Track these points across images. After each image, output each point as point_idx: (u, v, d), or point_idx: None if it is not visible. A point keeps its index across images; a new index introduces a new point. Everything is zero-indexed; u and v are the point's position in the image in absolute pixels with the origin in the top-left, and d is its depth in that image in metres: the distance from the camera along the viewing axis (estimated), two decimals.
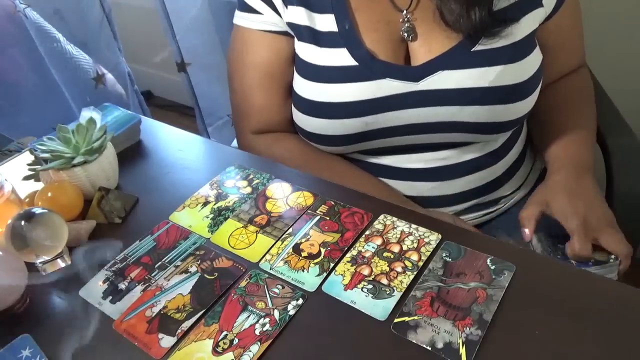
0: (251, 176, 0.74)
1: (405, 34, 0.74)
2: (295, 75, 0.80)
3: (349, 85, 0.73)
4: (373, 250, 0.61)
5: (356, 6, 0.75)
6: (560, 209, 0.70)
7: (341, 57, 0.74)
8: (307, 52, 0.77)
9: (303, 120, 0.79)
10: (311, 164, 0.80)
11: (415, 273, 0.57)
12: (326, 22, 0.75)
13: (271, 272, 0.60)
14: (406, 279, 0.57)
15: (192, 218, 0.69)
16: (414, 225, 0.63)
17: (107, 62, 1.29)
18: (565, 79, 0.86)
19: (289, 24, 0.78)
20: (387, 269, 0.58)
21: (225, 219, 0.68)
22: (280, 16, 0.78)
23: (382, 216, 0.65)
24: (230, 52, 0.85)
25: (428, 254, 0.59)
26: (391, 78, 0.72)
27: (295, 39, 0.79)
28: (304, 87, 0.78)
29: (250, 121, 0.84)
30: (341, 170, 0.81)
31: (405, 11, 0.74)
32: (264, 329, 0.53)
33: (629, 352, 0.47)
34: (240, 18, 0.81)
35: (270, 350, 0.52)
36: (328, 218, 0.66)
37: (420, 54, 0.74)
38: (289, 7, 0.76)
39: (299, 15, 0.76)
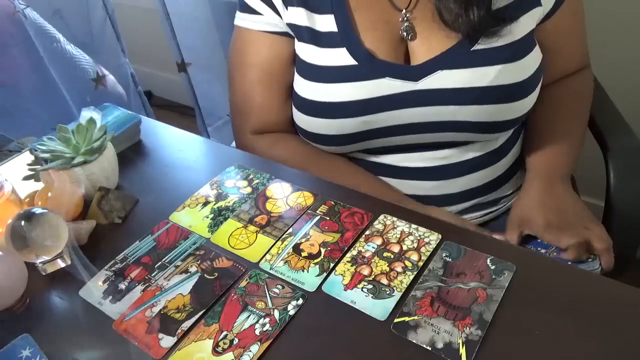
0: (251, 176, 0.74)
1: (405, 33, 0.74)
2: (296, 75, 0.80)
3: (348, 85, 0.73)
4: (373, 250, 0.61)
5: (355, 6, 0.75)
6: (537, 228, 0.72)
7: (341, 57, 0.74)
8: (307, 52, 0.77)
9: (304, 120, 0.79)
10: (311, 164, 0.80)
11: (415, 273, 0.57)
12: (326, 23, 0.75)
13: (271, 272, 0.60)
14: (406, 279, 0.57)
15: (192, 218, 0.69)
16: (414, 225, 0.63)
17: (109, 63, 1.29)
18: (562, 82, 0.85)
19: (289, 25, 0.78)
20: (387, 269, 0.58)
21: (225, 219, 0.68)
22: (281, 17, 0.78)
23: (382, 216, 0.65)
24: (231, 52, 0.85)
25: (428, 254, 0.59)
26: (390, 77, 0.72)
27: (296, 40, 0.79)
28: (304, 88, 0.78)
29: (249, 120, 0.85)
30: (341, 169, 0.81)
31: (404, 10, 0.75)
32: (264, 329, 0.53)
33: (629, 352, 0.47)
34: (241, 19, 0.82)
35: (270, 350, 0.52)
36: (328, 218, 0.66)
37: (420, 53, 0.74)
38: (289, 8, 0.76)
39: (299, 16, 0.76)
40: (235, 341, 0.53)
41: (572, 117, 0.83)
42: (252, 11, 0.79)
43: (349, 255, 0.60)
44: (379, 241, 0.62)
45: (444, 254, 0.59)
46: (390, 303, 0.54)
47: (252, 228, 0.66)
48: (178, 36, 1.36)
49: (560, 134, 0.81)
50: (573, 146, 0.81)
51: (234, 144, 0.94)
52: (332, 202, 0.68)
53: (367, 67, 0.73)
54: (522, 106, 0.74)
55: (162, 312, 0.57)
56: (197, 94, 1.47)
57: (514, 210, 0.76)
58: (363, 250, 0.61)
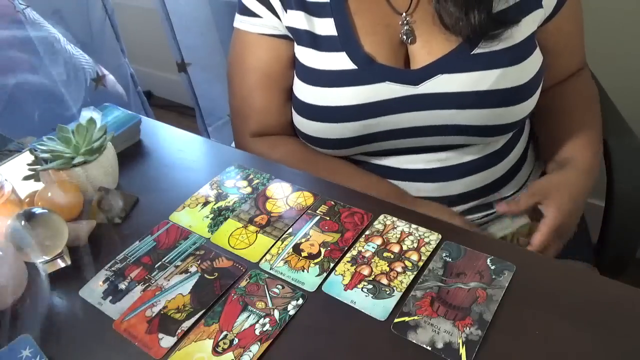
0: (251, 176, 0.74)
1: (404, 37, 0.74)
2: (295, 79, 0.80)
3: (348, 89, 0.73)
4: (373, 250, 0.61)
5: (355, 10, 0.75)
6: (550, 207, 0.73)
7: (340, 61, 0.74)
8: (307, 56, 0.77)
9: (303, 123, 0.79)
10: (311, 165, 0.80)
11: (415, 273, 0.57)
12: (325, 26, 0.75)
13: (271, 272, 0.60)
14: (406, 279, 0.57)
15: (192, 218, 0.69)
16: (414, 225, 0.63)
17: (109, 63, 1.29)
18: (569, 82, 0.85)
19: (289, 28, 0.78)
20: (387, 269, 0.58)
21: (225, 219, 0.68)
22: (280, 20, 0.78)
23: (382, 216, 0.65)
24: (230, 55, 0.85)
25: (428, 254, 0.59)
26: (390, 81, 0.72)
27: (295, 43, 0.79)
28: (304, 91, 0.78)
29: (249, 123, 0.85)
30: (341, 171, 0.81)
31: (404, 14, 0.74)
32: (264, 329, 0.53)
33: (629, 352, 0.47)
34: (240, 22, 0.81)
35: (270, 350, 0.52)
36: (328, 218, 0.66)
37: (420, 56, 0.73)
38: (288, 11, 0.76)
39: (298, 19, 0.76)
40: (235, 341, 0.53)
41: (589, 116, 0.83)
42: (252, 14, 0.79)
43: (349, 255, 0.60)
44: (379, 241, 0.62)
45: (444, 254, 0.59)
46: (390, 303, 0.54)
47: (252, 228, 0.66)
48: (178, 36, 1.36)
49: (582, 132, 0.80)
50: (594, 144, 0.81)
51: (234, 144, 0.94)
52: (332, 202, 0.68)
53: (366, 71, 0.73)
54: (523, 109, 0.74)
55: (162, 312, 0.57)
56: (197, 93, 1.48)
57: (543, 183, 0.76)
58: (363, 250, 0.61)
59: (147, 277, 0.61)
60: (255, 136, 0.85)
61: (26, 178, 0.74)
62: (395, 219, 0.64)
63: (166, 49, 1.40)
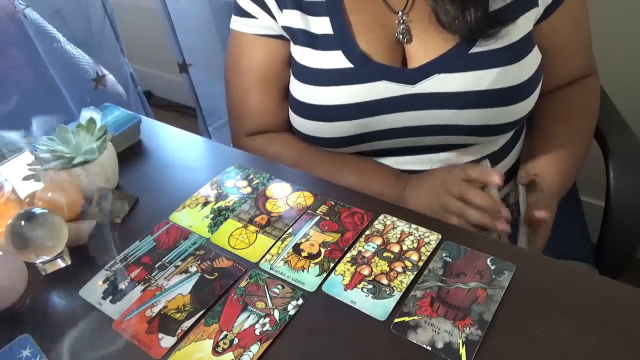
0: (251, 176, 0.74)
1: (401, 36, 0.74)
2: (292, 78, 0.80)
3: (344, 88, 0.73)
4: (373, 250, 0.61)
5: (351, 9, 0.75)
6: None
7: (336, 60, 0.74)
8: (303, 55, 0.77)
9: (300, 122, 0.80)
10: (308, 157, 0.80)
11: (415, 273, 0.57)
12: (321, 25, 0.75)
13: (271, 272, 0.60)
14: (406, 279, 0.57)
15: (192, 218, 0.69)
16: (414, 225, 0.63)
17: (109, 63, 1.29)
18: (566, 90, 0.83)
19: (284, 28, 0.78)
20: (387, 269, 0.58)
21: (225, 219, 0.68)
22: (276, 20, 0.78)
23: (382, 216, 0.65)
24: (227, 56, 0.86)
25: (428, 254, 0.59)
26: (387, 80, 0.72)
27: (291, 42, 0.79)
28: (300, 90, 0.78)
29: (246, 124, 0.85)
30: (340, 160, 0.80)
31: (400, 13, 0.74)
32: (264, 329, 0.53)
33: (629, 352, 0.47)
34: (236, 23, 0.82)
35: (270, 350, 0.52)
36: (328, 218, 0.66)
37: (417, 56, 0.73)
38: (284, 10, 0.76)
39: (294, 18, 0.76)
40: (235, 341, 0.53)
41: (573, 132, 0.81)
42: (247, 15, 0.79)
43: (349, 255, 0.60)
44: (379, 241, 0.62)
45: (444, 254, 0.59)
46: (390, 303, 0.54)
47: (252, 228, 0.66)
48: (179, 37, 1.36)
49: (560, 148, 0.79)
50: (571, 163, 0.79)
51: None
52: (332, 202, 0.68)
53: (363, 70, 0.73)
54: (523, 108, 0.74)
55: (162, 312, 0.57)
56: (198, 94, 1.47)
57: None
58: (363, 250, 0.61)
59: (147, 277, 0.61)
60: (251, 136, 0.85)
61: (26, 178, 0.74)
62: (395, 219, 0.64)
63: (166, 49, 1.40)
